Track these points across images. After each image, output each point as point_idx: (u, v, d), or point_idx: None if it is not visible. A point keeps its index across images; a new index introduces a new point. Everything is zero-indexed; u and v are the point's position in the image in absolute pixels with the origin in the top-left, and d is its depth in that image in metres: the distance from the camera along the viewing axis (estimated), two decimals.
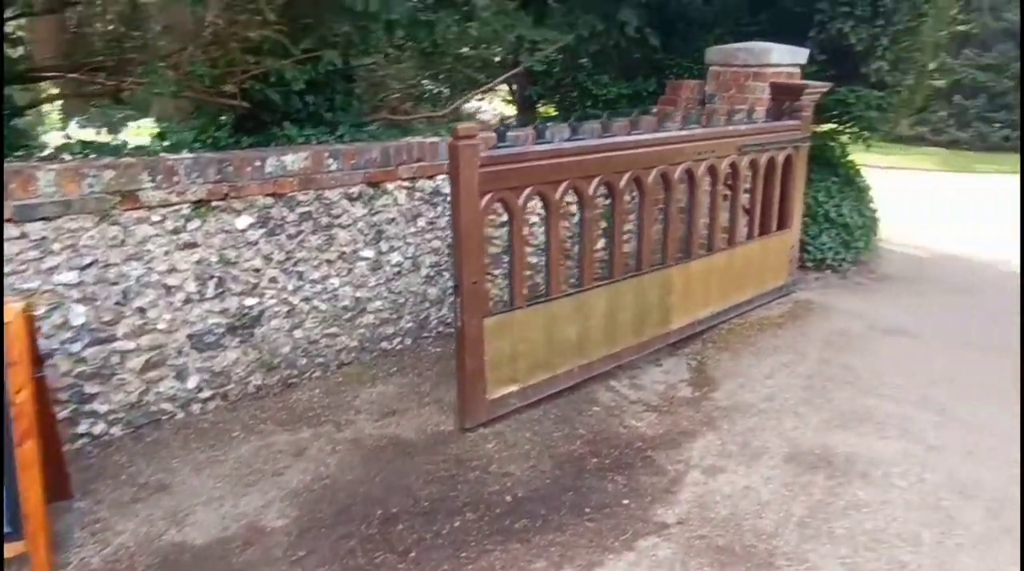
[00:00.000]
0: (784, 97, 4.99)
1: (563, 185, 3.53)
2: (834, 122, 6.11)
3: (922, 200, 10.04)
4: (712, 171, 4.36)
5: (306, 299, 3.64)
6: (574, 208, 3.97)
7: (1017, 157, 15.01)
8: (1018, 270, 6.66)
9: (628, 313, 3.99)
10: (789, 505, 2.91)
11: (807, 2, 5.52)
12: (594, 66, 5.87)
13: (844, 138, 6.42)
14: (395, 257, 3.96)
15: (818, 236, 5.86)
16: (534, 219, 4.41)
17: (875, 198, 6.82)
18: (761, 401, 3.75)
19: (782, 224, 5.07)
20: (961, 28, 16.01)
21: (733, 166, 4.52)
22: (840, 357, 4.31)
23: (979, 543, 2.71)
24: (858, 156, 7.11)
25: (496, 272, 4.32)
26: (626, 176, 3.81)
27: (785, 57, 5.14)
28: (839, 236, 5.95)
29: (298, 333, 3.65)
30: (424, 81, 5.60)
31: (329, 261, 3.69)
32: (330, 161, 3.60)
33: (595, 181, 3.67)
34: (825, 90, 5.12)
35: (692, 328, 4.41)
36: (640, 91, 5.69)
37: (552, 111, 6.48)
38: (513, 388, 3.51)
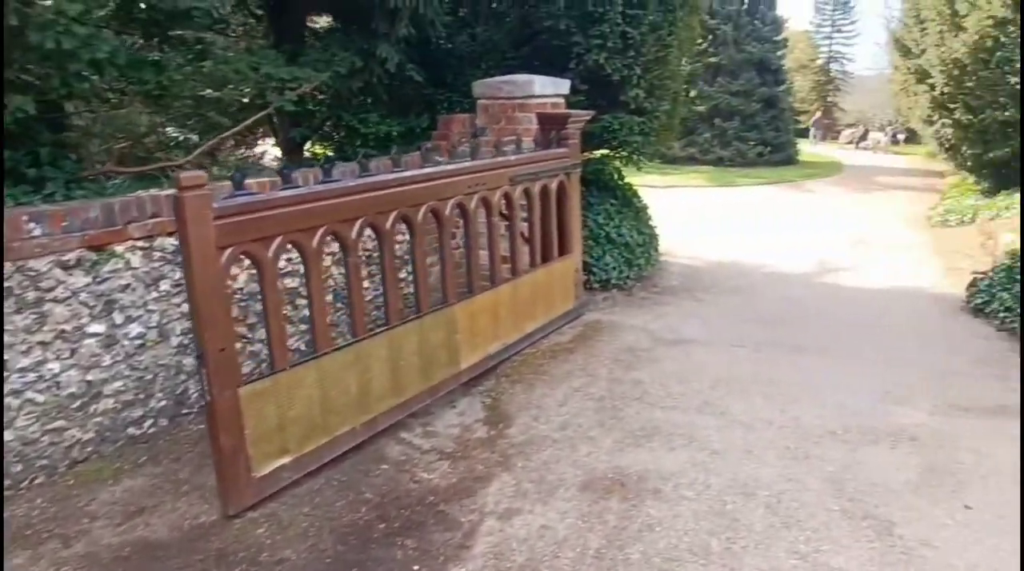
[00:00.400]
0: (551, 126, 5.10)
1: (320, 231, 3.24)
2: (605, 148, 6.40)
3: (696, 214, 10.96)
4: (486, 203, 4.29)
5: (15, 392, 3.00)
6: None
7: (770, 170, 17.06)
8: (780, 271, 7.39)
9: (413, 358, 3.76)
10: (585, 538, 2.82)
11: (564, 36, 5.74)
12: (366, 104, 5.66)
13: (617, 162, 6.75)
14: (135, 328, 3.42)
15: (601, 257, 6.05)
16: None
17: (653, 216, 7.24)
18: (555, 431, 3.68)
19: (564, 249, 5.15)
20: (713, 60, 18.11)
21: (507, 197, 4.49)
22: (629, 374, 4.39)
23: (761, 542, 2.77)
24: (638, 178, 7.54)
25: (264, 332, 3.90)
26: (392, 215, 3.60)
27: (548, 88, 5.28)
28: (621, 255, 6.19)
29: (7, 435, 2.99)
30: (168, 127, 5.05)
31: (43, 343, 3.09)
32: (32, 225, 3.03)
33: (357, 224, 3.42)
34: (588, 118, 5.32)
35: (484, 364, 4.28)
36: (413, 128, 5.56)
37: (329, 152, 6.18)
38: (285, 460, 3.12)
